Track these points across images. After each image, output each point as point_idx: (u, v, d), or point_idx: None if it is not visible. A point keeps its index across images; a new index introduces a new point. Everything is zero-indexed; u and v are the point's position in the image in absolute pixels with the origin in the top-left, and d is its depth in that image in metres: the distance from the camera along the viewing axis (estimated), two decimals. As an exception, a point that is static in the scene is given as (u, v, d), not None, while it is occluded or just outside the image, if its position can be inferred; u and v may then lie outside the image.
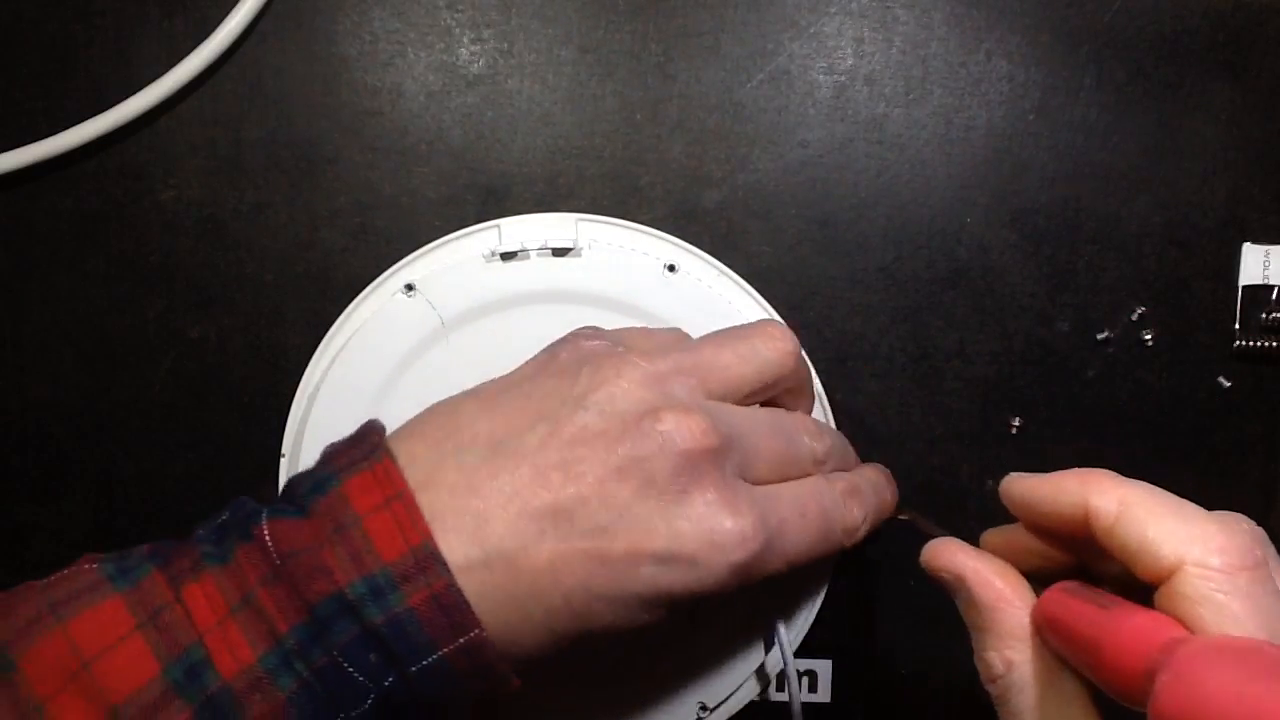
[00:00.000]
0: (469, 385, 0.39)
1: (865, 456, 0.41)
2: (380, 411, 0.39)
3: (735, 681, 0.40)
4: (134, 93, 0.40)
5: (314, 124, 0.41)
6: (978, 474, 0.42)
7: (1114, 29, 0.40)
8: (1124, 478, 0.26)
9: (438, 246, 0.40)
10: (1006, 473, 0.41)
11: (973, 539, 0.42)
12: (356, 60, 0.41)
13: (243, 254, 0.41)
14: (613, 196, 0.41)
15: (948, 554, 0.29)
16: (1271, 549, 0.25)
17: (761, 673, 0.40)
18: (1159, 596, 0.24)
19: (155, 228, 0.41)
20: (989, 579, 0.28)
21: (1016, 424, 0.41)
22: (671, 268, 0.39)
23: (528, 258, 0.39)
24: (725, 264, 0.40)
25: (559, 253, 0.39)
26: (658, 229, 0.40)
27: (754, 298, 0.40)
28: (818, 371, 0.41)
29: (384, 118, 0.41)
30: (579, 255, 0.39)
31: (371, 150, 0.41)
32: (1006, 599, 0.28)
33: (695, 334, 0.38)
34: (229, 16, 0.40)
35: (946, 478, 0.42)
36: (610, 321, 0.39)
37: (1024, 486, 0.29)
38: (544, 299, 0.39)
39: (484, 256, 0.39)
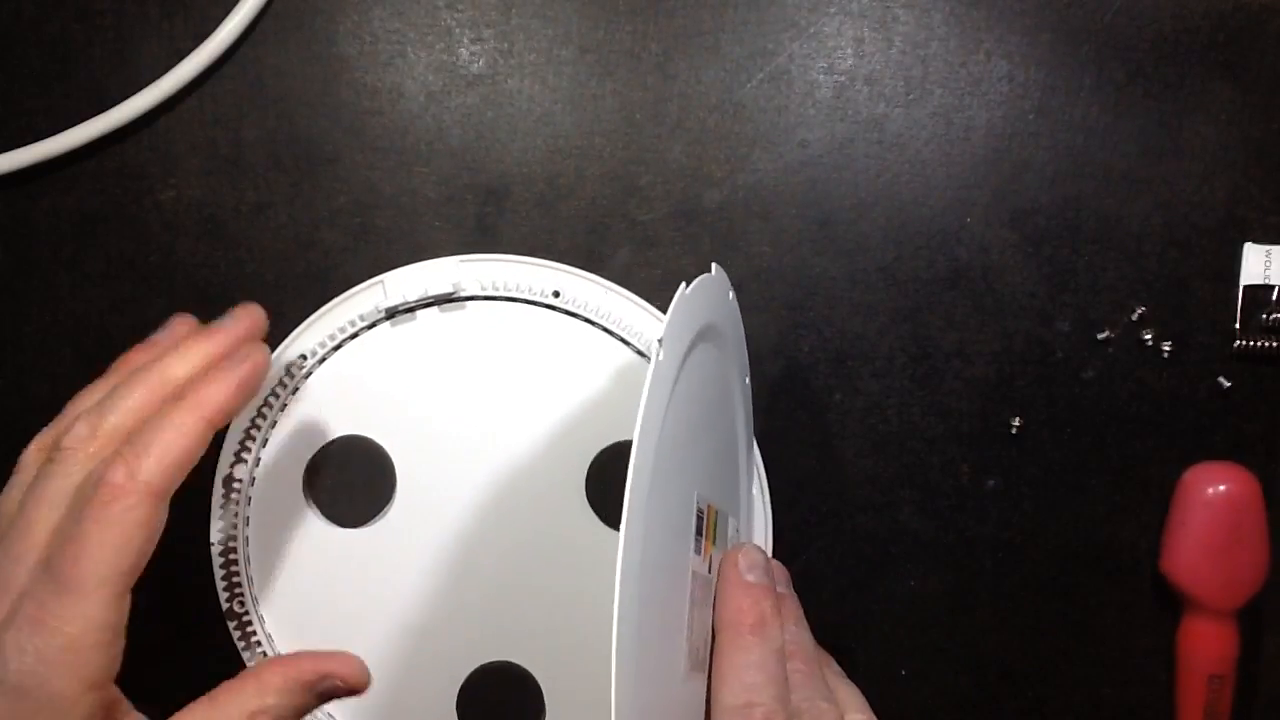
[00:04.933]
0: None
1: (865, 456, 0.41)
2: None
3: None
4: (134, 93, 0.40)
5: (314, 124, 0.41)
6: (978, 474, 0.42)
7: (1114, 29, 0.40)
8: None
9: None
10: (1006, 473, 0.42)
11: (970, 537, 0.42)
12: (356, 60, 0.41)
13: (243, 254, 0.41)
14: (613, 196, 0.41)
15: None
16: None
17: None
18: None
19: (155, 228, 0.41)
20: None
21: (1016, 424, 0.41)
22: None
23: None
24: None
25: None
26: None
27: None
28: (818, 371, 0.41)
29: (384, 118, 0.41)
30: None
31: (371, 150, 0.41)
32: None
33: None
34: (229, 16, 0.40)
35: (946, 478, 0.42)
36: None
37: None
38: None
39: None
